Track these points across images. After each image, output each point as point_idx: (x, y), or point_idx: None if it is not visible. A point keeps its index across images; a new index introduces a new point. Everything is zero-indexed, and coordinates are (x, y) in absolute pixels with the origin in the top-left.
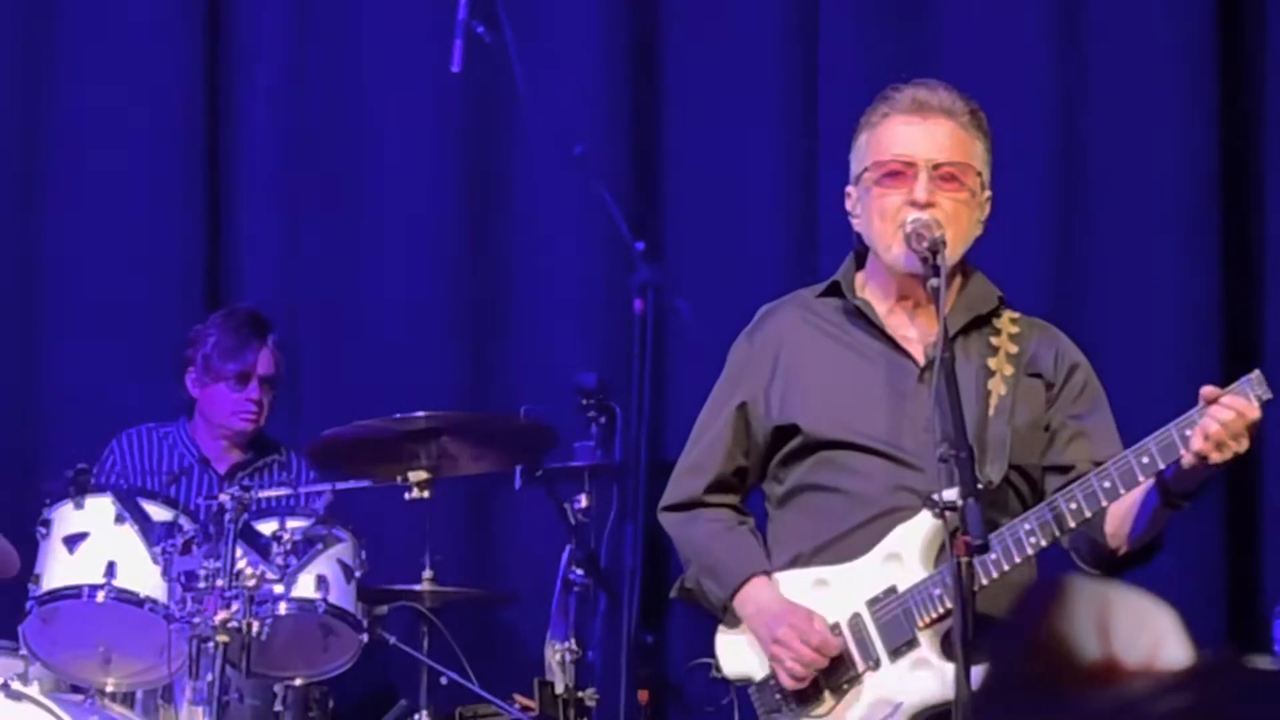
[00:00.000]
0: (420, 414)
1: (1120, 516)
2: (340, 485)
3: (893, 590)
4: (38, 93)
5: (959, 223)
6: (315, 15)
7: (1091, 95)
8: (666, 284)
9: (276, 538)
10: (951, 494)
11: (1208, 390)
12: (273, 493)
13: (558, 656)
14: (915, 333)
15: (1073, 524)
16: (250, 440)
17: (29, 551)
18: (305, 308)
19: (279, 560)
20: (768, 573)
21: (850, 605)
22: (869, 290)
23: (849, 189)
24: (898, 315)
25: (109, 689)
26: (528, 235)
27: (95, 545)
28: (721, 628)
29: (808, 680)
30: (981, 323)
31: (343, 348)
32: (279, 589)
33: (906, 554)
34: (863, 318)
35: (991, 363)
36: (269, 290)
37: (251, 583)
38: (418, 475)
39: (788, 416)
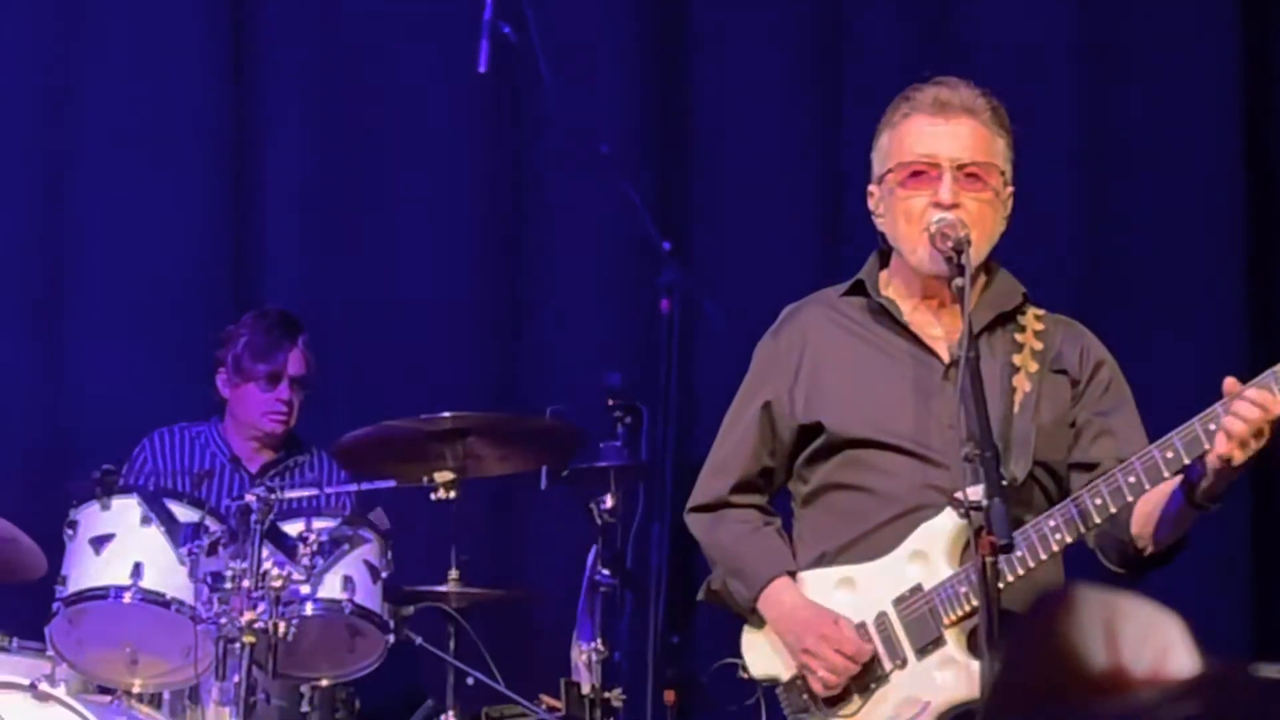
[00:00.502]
0: (446, 414)
1: (1146, 516)
2: (366, 485)
3: (919, 589)
4: (67, 94)
5: (984, 223)
6: (341, 17)
7: (1119, 88)
8: (693, 284)
9: (303, 538)
10: (976, 492)
11: (1230, 382)
12: (299, 493)
13: (584, 657)
14: (940, 330)
15: (1098, 520)
16: (281, 440)
17: (56, 552)
18: (332, 308)
19: (305, 561)
20: (793, 573)
21: (876, 604)
22: (893, 288)
23: (871, 188)
24: (922, 313)
25: (136, 690)
26: (554, 235)
27: (122, 546)
28: (747, 628)
29: (840, 687)
30: (1006, 320)
31: (369, 348)
32: (305, 590)
33: (932, 552)
34: (887, 316)
35: (1016, 359)
36: (296, 290)
37: (278, 583)
38: (444, 476)
39: (813, 415)
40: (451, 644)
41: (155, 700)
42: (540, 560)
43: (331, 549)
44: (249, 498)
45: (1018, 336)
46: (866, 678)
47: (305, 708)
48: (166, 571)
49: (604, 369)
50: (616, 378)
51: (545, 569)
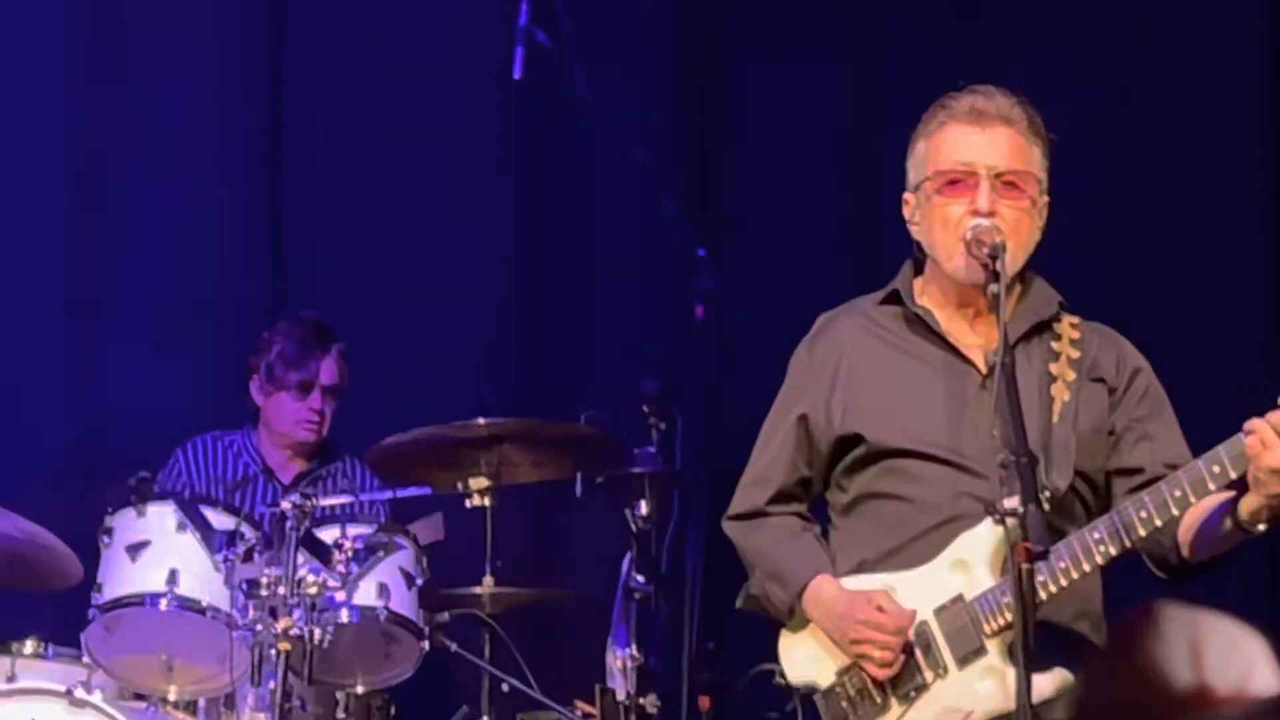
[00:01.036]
0: (481, 421)
1: (1193, 531)
2: (401, 492)
3: (959, 598)
4: (104, 102)
5: (1020, 232)
6: (376, 22)
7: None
8: (727, 290)
9: (338, 545)
10: (1013, 501)
11: (1251, 424)
12: (334, 500)
13: (619, 663)
14: (976, 339)
15: (1143, 532)
16: (313, 449)
17: (91, 558)
18: (366, 315)
19: (340, 568)
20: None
21: (917, 614)
22: (928, 296)
23: (907, 196)
24: (958, 322)
25: (171, 697)
26: (589, 242)
27: (157, 553)
28: (784, 633)
29: (899, 663)
30: (1042, 328)
31: (404, 354)
32: (341, 596)
33: (974, 562)
34: (923, 325)
35: (1053, 368)
36: (330, 296)
37: (313, 590)
38: (478, 483)
39: (850, 426)
40: (486, 650)
41: (191, 707)
42: (575, 566)
43: (367, 556)
44: (284, 504)
45: (1054, 345)
46: (907, 686)
47: (341, 714)
48: (202, 578)
49: (639, 375)
50: (652, 384)
51: (580, 575)
